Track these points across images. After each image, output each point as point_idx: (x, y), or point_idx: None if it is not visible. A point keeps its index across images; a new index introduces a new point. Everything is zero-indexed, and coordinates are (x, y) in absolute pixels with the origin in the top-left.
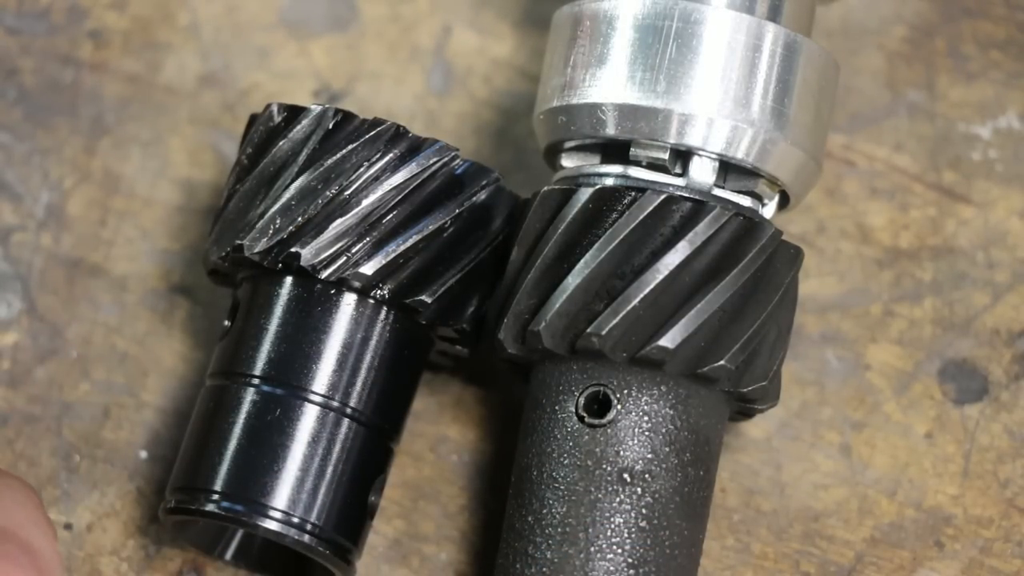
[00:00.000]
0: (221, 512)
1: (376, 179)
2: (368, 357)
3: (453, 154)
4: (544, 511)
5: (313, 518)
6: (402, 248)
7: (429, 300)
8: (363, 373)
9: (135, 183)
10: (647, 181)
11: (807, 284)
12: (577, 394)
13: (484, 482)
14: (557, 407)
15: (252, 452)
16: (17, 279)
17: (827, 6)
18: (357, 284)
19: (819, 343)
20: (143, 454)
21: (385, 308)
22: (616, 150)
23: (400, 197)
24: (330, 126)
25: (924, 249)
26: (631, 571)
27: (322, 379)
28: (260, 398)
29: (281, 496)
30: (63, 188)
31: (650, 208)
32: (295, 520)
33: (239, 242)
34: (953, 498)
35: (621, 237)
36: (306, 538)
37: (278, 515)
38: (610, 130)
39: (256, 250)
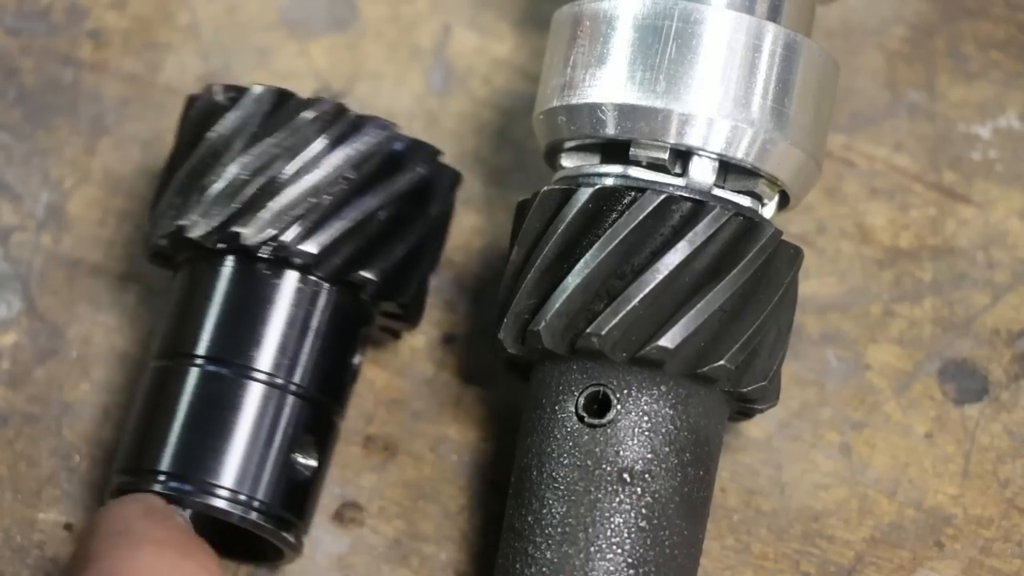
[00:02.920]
0: (168, 492)
1: (317, 157)
2: (311, 334)
3: (393, 131)
4: (544, 511)
5: (260, 495)
6: (344, 225)
7: (372, 276)
8: (306, 350)
9: (135, 183)
10: (647, 181)
11: (807, 284)
12: (577, 394)
13: (484, 482)
14: (557, 407)
15: (197, 431)
16: (17, 279)
17: (827, 6)
18: (299, 262)
19: (819, 343)
20: None
21: (328, 285)
22: (616, 150)
23: (341, 175)
24: (269, 106)
25: (924, 249)
26: (631, 571)
27: (265, 357)
28: (204, 378)
29: (227, 475)
30: (63, 188)
31: (650, 208)
32: (242, 498)
33: (180, 223)
34: (953, 498)
35: (621, 237)
36: (253, 515)
37: (225, 493)
38: (610, 130)
39: (198, 232)
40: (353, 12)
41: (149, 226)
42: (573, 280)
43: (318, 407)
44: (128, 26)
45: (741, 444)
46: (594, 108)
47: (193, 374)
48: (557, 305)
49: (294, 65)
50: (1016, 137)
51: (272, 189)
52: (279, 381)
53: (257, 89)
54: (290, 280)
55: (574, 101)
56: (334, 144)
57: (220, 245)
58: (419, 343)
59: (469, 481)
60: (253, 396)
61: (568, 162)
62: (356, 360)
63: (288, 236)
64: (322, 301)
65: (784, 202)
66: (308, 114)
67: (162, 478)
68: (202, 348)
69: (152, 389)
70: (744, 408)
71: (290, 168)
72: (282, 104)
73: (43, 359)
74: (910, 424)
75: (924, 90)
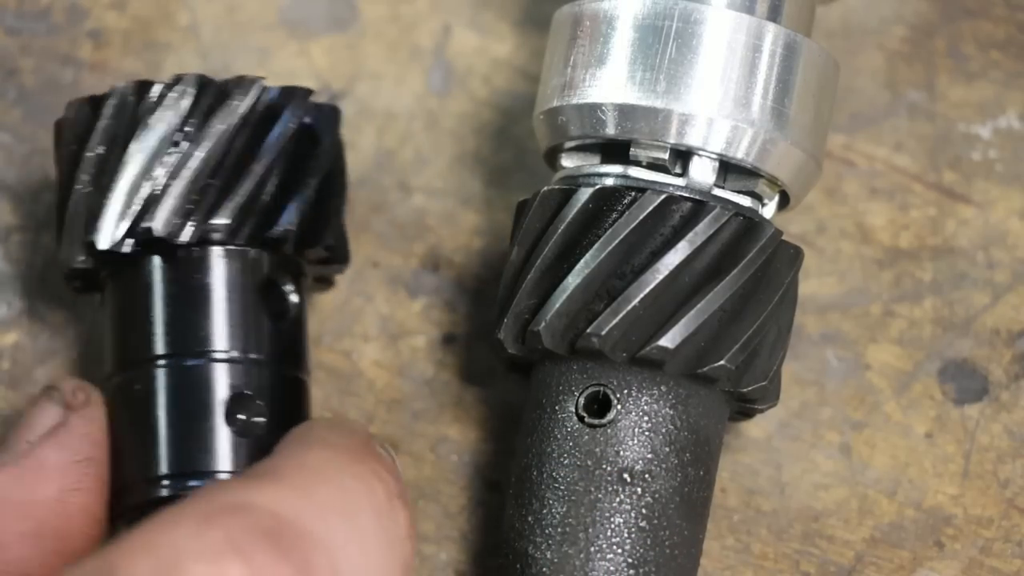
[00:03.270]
0: (178, 493)
1: (197, 131)
2: (252, 302)
3: (261, 85)
4: (544, 511)
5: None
6: (247, 188)
7: (290, 227)
8: (253, 319)
9: None
10: (647, 181)
11: (807, 284)
12: (577, 394)
13: (484, 482)
14: (557, 407)
15: (186, 426)
16: (17, 279)
17: (827, 6)
18: (217, 236)
19: (819, 343)
20: None
21: (252, 250)
22: (616, 150)
23: (226, 141)
24: (133, 103)
25: (924, 249)
26: (631, 571)
27: (224, 336)
28: (173, 374)
29: (228, 459)
30: None
31: (650, 208)
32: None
33: (90, 239)
34: (953, 498)
35: (621, 237)
36: None
37: (226, 477)
38: (610, 130)
39: (110, 242)
40: (353, 12)
41: (60, 252)
42: (573, 280)
43: (280, 371)
44: (128, 26)
45: (741, 444)
46: (594, 108)
47: (160, 375)
48: (557, 305)
49: (294, 65)
50: (1016, 137)
51: (167, 176)
52: (242, 356)
53: (117, 87)
54: (216, 256)
55: (574, 101)
56: (207, 114)
57: (137, 247)
58: (419, 343)
59: (469, 481)
60: (221, 378)
61: (568, 162)
62: (296, 305)
63: (197, 216)
64: (251, 267)
65: (784, 202)
66: (171, 96)
67: (166, 482)
68: (159, 348)
69: (123, 402)
70: (744, 408)
71: (176, 152)
72: (143, 94)
73: (43, 359)
74: (910, 424)
75: (924, 90)
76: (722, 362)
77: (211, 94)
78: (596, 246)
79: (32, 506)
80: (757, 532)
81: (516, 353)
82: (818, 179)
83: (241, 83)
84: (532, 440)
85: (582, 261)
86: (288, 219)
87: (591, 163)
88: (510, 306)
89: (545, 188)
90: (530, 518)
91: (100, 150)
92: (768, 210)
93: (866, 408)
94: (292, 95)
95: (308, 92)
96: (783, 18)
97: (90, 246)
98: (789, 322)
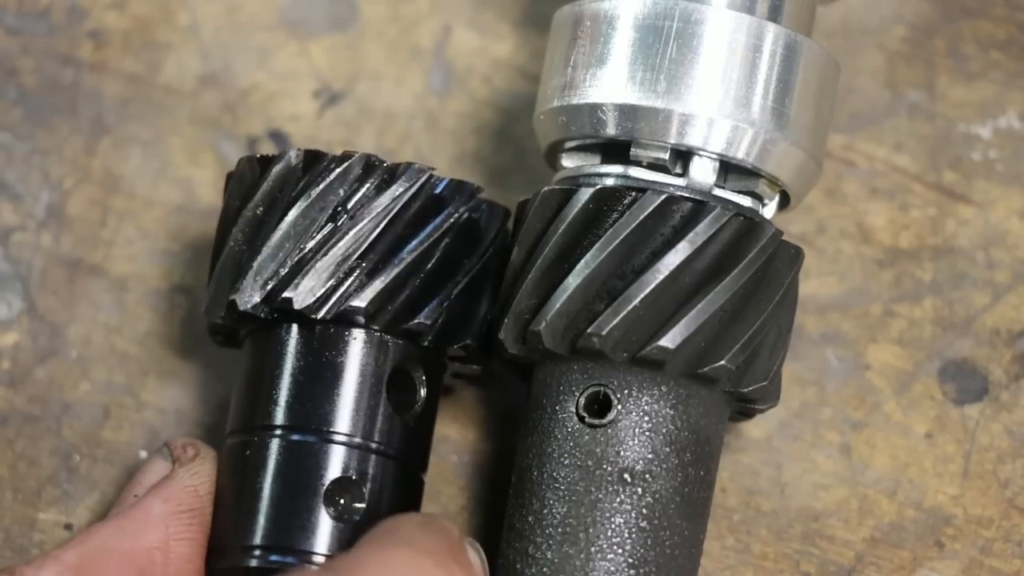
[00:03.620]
0: (268, 566)
1: (356, 212)
2: (377, 389)
3: (429, 174)
4: (544, 511)
5: None
6: (392, 274)
7: (429, 322)
8: (381, 406)
9: (135, 183)
10: (647, 181)
11: (807, 284)
12: (577, 394)
13: (484, 482)
14: (557, 407)
15: (287, 501)
16: (17, 279)
17: (827, 6)
18: (355, 318)
19: (819, 343)
20: (143, 454)
21: (388, 337)
22: (617, 150)
23: (383, 225)
24: (301, 169)
25: (924, 249)
26: (631, 571)
27: (343, 418)
28: (285, 447)
29: (322, 541)
30: (63, 188)
31: (650, 208)
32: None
33: (232, 299)
34: (953, 498)
35: (622, 237)
36: None
37: (320, 560)
38: (610, 130)
39: (249, 305)
40: (353, 12)
41: (206, 306)
42: (574, 280)
43: (400, 463)
44: (128, 26)
45: (741, 444)
46: (595, 108)
47: (274, 444)
48: (558, 305)
49: (294, 65)
50: (1016, 137)
51: (315, 250)
52: (357, 441)
53: (288, 155)
54: (351, 337)
55: (575, 101)
56: (372, 196)
57: (274, 315)
58: None
59: (469, 481)
60: (335, 459)
61: (569, 162)
62: (433, 412)
63: (338, 294)
64: (387, 354)
65: (785, 202)
66: (339, 170)
67: (257, 552)
68: (278, 418)
69: (234, 465)
70: (744, 408)
71: (330, 227)
72: (311, 164)
73: (43, 359)
74: (910, 424)
75: (924, 90)
76: (722, 362)
77: (378, 175)
78: (596, 246)
79: (134, 555)
80: (757, 532)
81: (517, 353)
82: (818, 179)
83: (409, 168)
84: (532, 440)
85: (583, 261)
86: (428, 313)
87: (591, 163)
88: (511, 306)
89: (545, 188)
90: (530, 518)
91: (260, 211)
92: (768, 210)
93: (866, 408)
94: (460, 189)
95: (477, 189)
96: (783, 18)
97: (231, 305)
98: (789, 322)
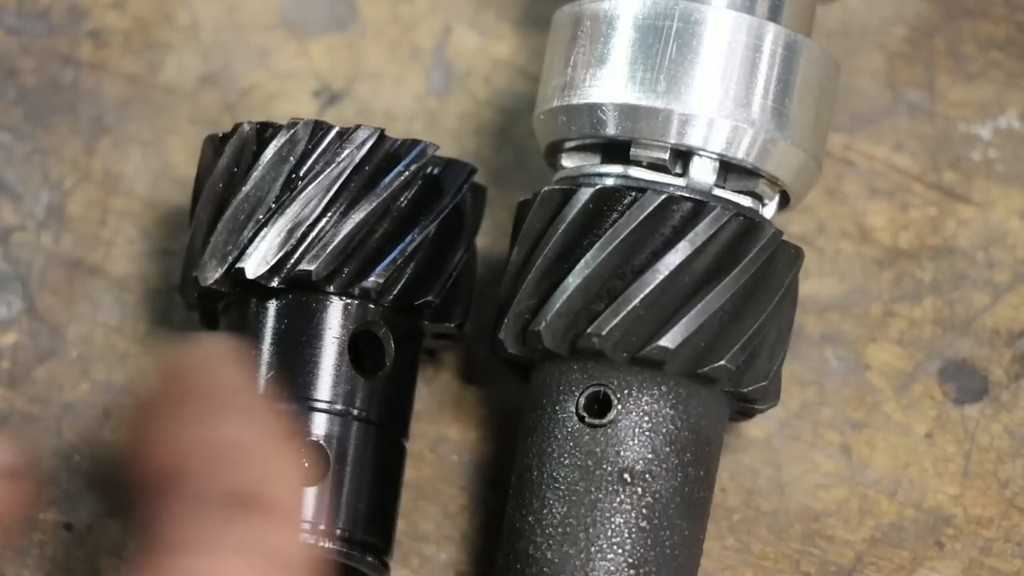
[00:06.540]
0: None
1: (308, 177)
2: (345, 352)
3: (380, 133)
4: (544, 511)
5: (352, 527)
6: (342, 235)
7: (382, 280)
8: (344, 368)
9: (135, 183)
10: (647, 181)
11: (807, 284)
12: (577, 394)
13: (484, 482)
14: (557, 407)
15: None
16: (17, 279)
17: (827, 6)
18: (308, 282)
19: (819, 343)
20: None
21: (347, 300)
22: (616, 150)
23: (336, 188)
24: (254, 138)
25: (924, 249)
26: (631, 571)
27: (309, 383)
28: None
29: (320, 513)
30: (63, 188)
31: (650, 208)
32: (338, 534)
33: (240, 266)
34: (953, 498)
35: (621, 237)
36: (346, 548)
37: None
38: (610, 130)
39: (211, 280)
40: (353, 12)
41: (197, 270)
42: (574, 280)
43: (385, 431)
44: (128, 26)
45: (741, 444)
46: (595, 108)
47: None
48: (558, 305)
49: (294, 65)
50: (1016, 137)
51: (331, 223)
52: (321, 405)
53: (295, 123)
54: (352, 310)
55: (574, 101)
56: (327, 160)
57: (282, 284)
58: None
59: (469, 481)
60: (318, 426)
61: (568, 162)
62: (413, 382)
63: (291, 261)
64: (346, 317)
65: (784, 202)
66: (349, 144)
67: None
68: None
69: None
70: (744, 408)
71: (342, 201)
72: (318, 136)
73: (43, 359)
74: (910, 424)
75: (924, 90)
76: (722, 362)
77: (329, 139)
78: (596, 246)
79: None
80: (757, 532)
81: (516, 353)
82: (818, 179)
83: (358, 130)
84: (532, 440)
85: (582, 261)
86: (381, 271)
87: (591, 163)
88: (510, 306)
89: (545, 188)
90: (530, 518)
91: (220, 187)
92: (768, 210)
93: (866, 408)
94: (413, 147)
95: (431, 146)
96: (783, 18)
97: (194, 282)
98: (789, 322)
